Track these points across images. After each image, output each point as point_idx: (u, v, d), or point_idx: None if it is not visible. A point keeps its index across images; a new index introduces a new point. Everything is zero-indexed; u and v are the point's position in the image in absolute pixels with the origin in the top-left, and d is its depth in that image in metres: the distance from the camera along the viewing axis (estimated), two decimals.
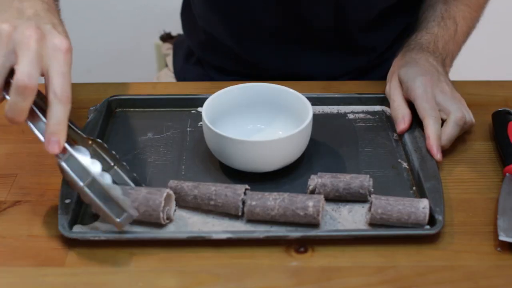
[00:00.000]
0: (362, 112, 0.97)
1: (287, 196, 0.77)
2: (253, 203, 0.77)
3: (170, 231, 0.76)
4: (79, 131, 0.78)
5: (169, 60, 1.35)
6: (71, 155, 0.73)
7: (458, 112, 0.87)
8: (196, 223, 0.78)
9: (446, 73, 0.96)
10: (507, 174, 0.84)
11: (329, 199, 0.80)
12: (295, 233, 0.75)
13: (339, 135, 0.92)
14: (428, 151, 0.85)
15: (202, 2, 1.09)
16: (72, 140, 0.77)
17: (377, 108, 0.97)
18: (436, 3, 1.05)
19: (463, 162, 0.88)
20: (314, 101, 0.96)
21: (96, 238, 0.75)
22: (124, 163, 0.80)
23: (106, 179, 0.73)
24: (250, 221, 0.78)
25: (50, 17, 0.75)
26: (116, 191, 0.72)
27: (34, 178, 0.85)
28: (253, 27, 1.08)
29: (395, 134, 0.92)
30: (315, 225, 0.77)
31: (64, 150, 0.73)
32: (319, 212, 0.76)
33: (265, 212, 0.76)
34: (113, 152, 0.80)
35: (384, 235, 0.76)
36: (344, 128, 0.94)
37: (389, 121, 0.95)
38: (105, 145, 0.80)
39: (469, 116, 0.89)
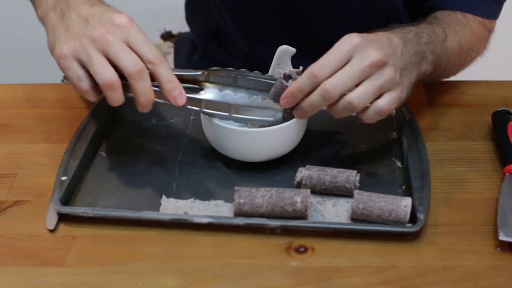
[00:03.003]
0: None
1: (275, 192, 0.77)
2: (241, 201, 0.77)
3: (152, 212, 0.78)
4: (190, 72, 0.85)
5: (170, 58, 1.35)
6: (202, 100, 0.80)
7: (331, 84, 0.75)
8: (182, 207, 0.80)
9: (419, 66, 0.83)
10: (507, 174, 0.84)
11: (315, 192, 0.81)
12: (275, 222, 0.76)
13: (338, 130, 0.93)
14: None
15: None
16: (196, 82, 0.86)
17: None
18: (426, 18, 0.99)
19: (463, 162, 0.88)
20: None
21: (84, 215, 0.77)
22: (244, 69, 0.88)
23: (241, 97, 0.85)
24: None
25: (98, 7, 0.79)
26: (255, 102, 0.83)
27: (34, 178, 0.85)
28: (262, 26, 1.08)
29: (393, 133, 0.92)
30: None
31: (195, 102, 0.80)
32: (307, 208, 0.77)
33: (254, 209, 0.77)
34: (229, 68, 0.87)
35: (361, 230, 0.76)
36: (344, 124, 0.94)
37: (390, 119, 0.94)
38: (217, 68, 0.87)
39: (357, 98, 0.76)
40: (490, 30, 1.04)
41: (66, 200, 0.80)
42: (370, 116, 0.79)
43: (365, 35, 0.78)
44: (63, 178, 0.81)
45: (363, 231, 0.77)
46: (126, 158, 0.88)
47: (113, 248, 0.75)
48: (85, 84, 0.76)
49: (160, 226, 0.77)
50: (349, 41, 0.77)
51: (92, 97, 0.78)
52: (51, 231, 0.77)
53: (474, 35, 1.00)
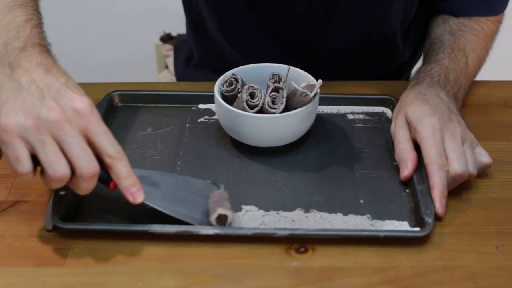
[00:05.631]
0: (362, 113, 0.97)
1: None
2: None
3: (158, 225, 0.76)
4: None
5: (170, 61, 1.34)
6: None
7: (460, 168, 0.80)
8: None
9: (459, 109, 0.89)
10: None
11: (322, 209, 0.81)
12: (283, 231, 0.76)
13: (337, 135, 0.93)
14: (432, 202, 0.79)
15: (214, 29, 1.09)
16: None
17: (377, 109, 0.97)
18: (442, 35, 1.02)
19: None
20: None
21: (86, 227, 0.77)
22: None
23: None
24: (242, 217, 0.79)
25: (55, 78, 0.72)
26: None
27: (34, 178, 0.84)
28: (259, 49, 1.08)
29: None
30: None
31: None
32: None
33: None
34: None
35: (371, 236, 0.76)
36: (343, 128, 0.94)
37: (388, 122, 0.94)
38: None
39: (472, 169, 0.81)
40: (499, 21, 1.06)
41: (66, 215, 0.78)
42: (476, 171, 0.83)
43: (433, 110, 0.85)
44: (62, 193, 0.79)
45: (372, 236, 0.76)
46: None
47: (113, 248, 0.75)
48: (23, 167, 0.69)
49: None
50: (433, 126, 0.83)
51: (23, 178, 0.71)
52: (50, 231, 0.77)
53: (487, 38, 1.03)
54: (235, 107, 0.85)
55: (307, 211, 0.80)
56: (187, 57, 1.25)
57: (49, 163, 0.69)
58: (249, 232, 0.75)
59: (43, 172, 0.70)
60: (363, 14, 1.02)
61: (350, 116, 0.96)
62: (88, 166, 0.69)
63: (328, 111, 0.97)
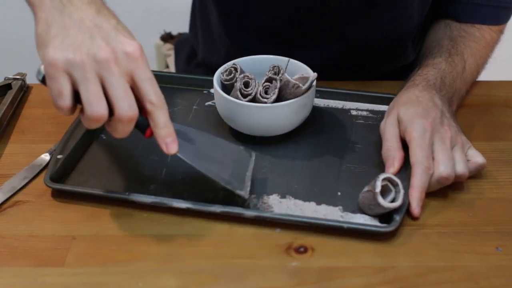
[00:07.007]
0: (366, 110, 0.97)
1: None
2: None
3: (135, 195, 0.79)
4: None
5: (170, 60, 1.34)
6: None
7: (446, 171, 0.80)
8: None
9: (453, 113, 0.89)
10: None
11: (298, 196, 0.82)
12: (250, 211, 0.78)
13: (335, 128, 0.93)
14: (408, 202, 0.79)
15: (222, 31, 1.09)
16: None
17: (382, 107, 0.97)
18: (441, 39, 1.02)
19: None
20: (321, 94, 0.98)
21: (73, 189, 0.81)
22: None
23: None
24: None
25: (106, 19, 0.72)
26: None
27: (34, 178, 0.85)
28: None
29: None
30: None
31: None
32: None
33: None
34: None
35: (331, 226, 0.77)
36: (342, 122, 0.95)
37: None
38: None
39: (462, 169, 0.81)
40: (501, 31, 1.07)
41: (59, 177, 0.82)
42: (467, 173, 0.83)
43: (425, 113, 0.85)
44: (59, 156, 0.84)
45: (334, 227, 0.77)
46: (125, 142, 0.85)
47: (113, 248, 0.75)
48: (64, 102, 0.69)
49: (159, 225, 0.78)
50: (424, 128, 0.83)
51: (63, 114, 0.71)
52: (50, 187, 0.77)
53: (488, 46, 1.03)
54: (231, 96, 0.87)
55: (283, 196, 0.81)
56: (188, 56, 1.25)
57: (89, 102, 0.69)
58: (218, 210, 0.78)
59: (83, 111, 0.71)
60: (385, 17, 1.02)
61: (354, 112, 0.97)
62: (127, 109, 0.69)
63: (333, 105, 0.98)
